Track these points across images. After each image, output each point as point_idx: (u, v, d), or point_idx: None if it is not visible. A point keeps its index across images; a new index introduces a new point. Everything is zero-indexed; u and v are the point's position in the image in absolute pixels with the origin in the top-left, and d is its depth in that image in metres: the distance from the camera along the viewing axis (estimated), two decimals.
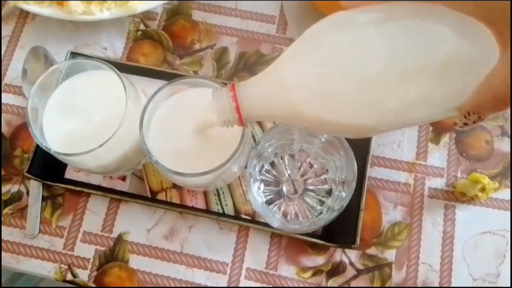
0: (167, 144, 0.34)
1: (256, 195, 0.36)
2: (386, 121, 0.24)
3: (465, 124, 0.23)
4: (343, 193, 0.35)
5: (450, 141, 0.42)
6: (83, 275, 0.39)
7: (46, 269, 0.39)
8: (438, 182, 0.41)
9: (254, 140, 0.40)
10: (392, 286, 0.38)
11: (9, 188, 0.41)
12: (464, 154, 0.42)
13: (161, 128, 0.34)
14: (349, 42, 0.23)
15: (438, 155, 0.42)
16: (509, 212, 0.40)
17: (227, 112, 0.26)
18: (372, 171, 0.41)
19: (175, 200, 0.40)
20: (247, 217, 0.39)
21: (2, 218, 0.40)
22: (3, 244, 0.40)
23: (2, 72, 0.45)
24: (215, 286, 0.38)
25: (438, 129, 0.42)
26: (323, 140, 0.37)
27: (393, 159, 0.41)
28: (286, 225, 0.36)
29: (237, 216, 0.39)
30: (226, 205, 0.40)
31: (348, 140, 0.37)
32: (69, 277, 0.39)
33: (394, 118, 0.24)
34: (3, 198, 0.41)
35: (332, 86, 0.23)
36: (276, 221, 0.36)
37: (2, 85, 0.44)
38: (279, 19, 0.46)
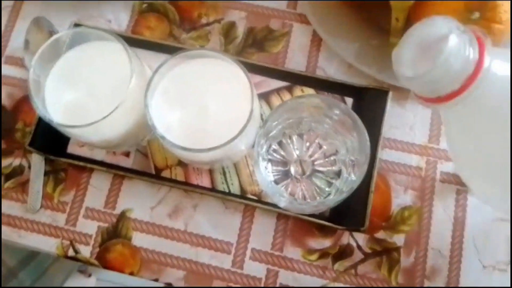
0: (172, 118, 0.33)
1: (264, 174, 0.35)
2: None
3: None
4: (353, 176, 0.34)
5: None
6: (85, 252, 0.38)
7: (48, 244, 0.39)
8: (450, 166, 0.40)
9: (262, 119, 0.39)
10: (400, 271, 0.37)
11: (11, 161, 0.40)
12: None
13: (166, 102, 0.33)
14: None
15: None
16: None
17: (457, 63, 0.16)
18: (383, 153, 0.40)
19: (180, 178, 0.39)
20: (254, 197, 0.38)
21: (3, 192, 0.40)
22: (4, 218, 0.39)
23: (3, 43, 0.44)
24: (219, 265, 0.38)
25: None
26: (335, 118, 0.36)
27: (405, 141, 0.40)
28: (293, 204, 0.35)
29: (243, 196, 0.38)
30: (232, 184, 0.39)
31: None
32: (71, 253, 0.38)
33: None
34: (4, 172, 0.40)
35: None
36: (283, 200, 0.35)
37: (3, 56, 0.43)
38: None
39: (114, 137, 0.34)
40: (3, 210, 0.39)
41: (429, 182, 0.39)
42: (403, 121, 0.41)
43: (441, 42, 0.16)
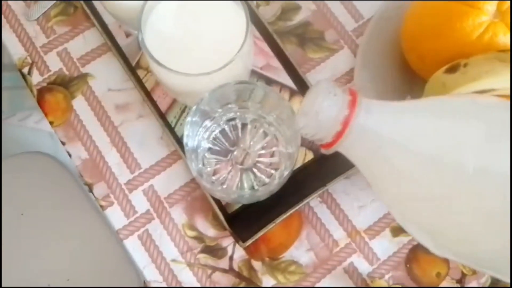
0: (162, 30, 0.33)
1: (193, 132, 0.33)
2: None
3: None
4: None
5: (403, 248, 0.38)
6: (36, 78, 0.40)
7: (17, 51, 0.40)
8: (363, 266, 0.37)
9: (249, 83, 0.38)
10: None
11: None
12: (408, 265, 0.37)
13: (165, 15, 0.33)
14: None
15: (386, 247, 0.38)
16: None
17: (324, 125, 0.19)
18: (317, 205, 0.38)
19: (148, 85, 0.39)
20: None
21: None
22: (4, 5, 0.41)
23: None
24: (116, 174, 0.38)
25: None
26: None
27: (345, 212, 0.38)
28: (200, 180, 0.34)
29: (179, 140, 0.38)
30: (180, 124, 0.38)
31: (323, 162, 0.36)
32: (25, 70, 0.40)
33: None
34: None
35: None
36: (195, 170, 0.34)
37: None
38: (364, 23, 0.42)
39: (128, 4, 0.34)
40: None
41: (334, 262, 0.37)
42: (359, 197, 0.38)
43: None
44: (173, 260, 0.36)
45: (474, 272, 0.37)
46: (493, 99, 0.22)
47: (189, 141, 0.32)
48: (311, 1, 0.42)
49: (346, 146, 0.20)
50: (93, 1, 0.41)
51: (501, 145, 0.18)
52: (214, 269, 0.36)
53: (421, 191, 0.19)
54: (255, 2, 0.42)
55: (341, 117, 0.18)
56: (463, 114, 0.19)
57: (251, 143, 0.37)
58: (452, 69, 0.32)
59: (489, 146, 0.19)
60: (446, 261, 0.37)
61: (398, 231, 0.38)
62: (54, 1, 0.41)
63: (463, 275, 0.37)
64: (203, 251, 0.37)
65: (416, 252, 0.37)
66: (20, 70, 0.40)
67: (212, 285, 0.36)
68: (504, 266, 0.19)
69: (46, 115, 0.39)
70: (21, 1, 0.41)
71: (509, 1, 0.32)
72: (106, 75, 0.40)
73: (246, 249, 0.37)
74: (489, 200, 0.18)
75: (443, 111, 0.19)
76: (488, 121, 0.19)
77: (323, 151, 0.21)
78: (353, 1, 0.42)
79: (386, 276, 0.37)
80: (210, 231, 0.37)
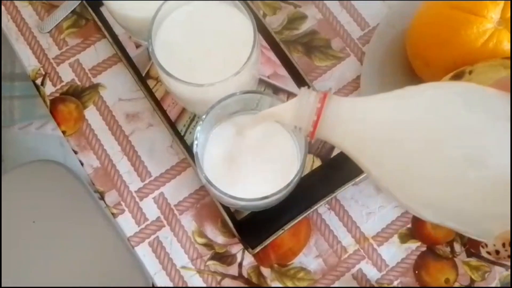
0: (171, 40, 0.33)
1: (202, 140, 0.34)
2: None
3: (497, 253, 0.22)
4: None
5: (411, 254, 0.38)
6: (49, 89, 0.41)
7: (31, 63, 0.41)
8: (372, 272, 0.37)
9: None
10: None
11: None
12: (416, 272, 0.37)
13: (176, 24, 0.33)
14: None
15: (394, 254, 0.38)
16: None
17: (304, 118, 0.25)
18: (326, 212, 0.38)
19: (158, 95, 0.40)
20: None
21: None
22: (19, 20, 0.42)
23: None
24: (127, 183, 0.39)
25: (414, 234, 0.38)
26: None
27: (353, 219, 0.38)
28: (209, 187, 0.34)
29: (188, 147, 0.38)
30: (190, 133, 0.39)
31: (331, 169, 0.37)
32: (38, 81, 0.41)
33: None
34: None
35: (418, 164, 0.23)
36: (204, 177, 0.34)
37: None
38: (370, 31, 0.42)
39: (137, 14, 0.35)
40: (24, 13, 0.43)
41: (342, 268, 0.37)
42: (367, 203, 0.39)
43: None
44: (183, 267, 0.37)
45: (483, 278, 0.37)
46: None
47: (199, 149, 0.33)
48: (318, 10, 0.43)
49: (325, 134, 0.25)
50: (104, 13, 0.42)
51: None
52: (224, 275, 0.37)
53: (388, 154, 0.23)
54: (261, 11, 0.43)
55: (315, 110, 0.24)
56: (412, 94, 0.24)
57: None
58: (458, 76, 0.32)
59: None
60: (455, 267, 0.37)
61: (406, 237, 0.38)
62: (67, 14, 0.42)
63: (472, 281, 0.37)
64: (213, 258, 0.37)
65: (424, 259, 0.37)
66: (33, 81, 0.41)
67: None
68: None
69: (59, 125, 0.40)
70: (35, 14, 0.42)
71: None
72: (117, 85, 0.41)
73: (255, 256, 0.37)
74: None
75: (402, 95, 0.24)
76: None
77: (309, 139, 0.26)
78: (359, 10, 0.43)
79: (395, 283, 0.37)
80: (219, 238, 0.38)
